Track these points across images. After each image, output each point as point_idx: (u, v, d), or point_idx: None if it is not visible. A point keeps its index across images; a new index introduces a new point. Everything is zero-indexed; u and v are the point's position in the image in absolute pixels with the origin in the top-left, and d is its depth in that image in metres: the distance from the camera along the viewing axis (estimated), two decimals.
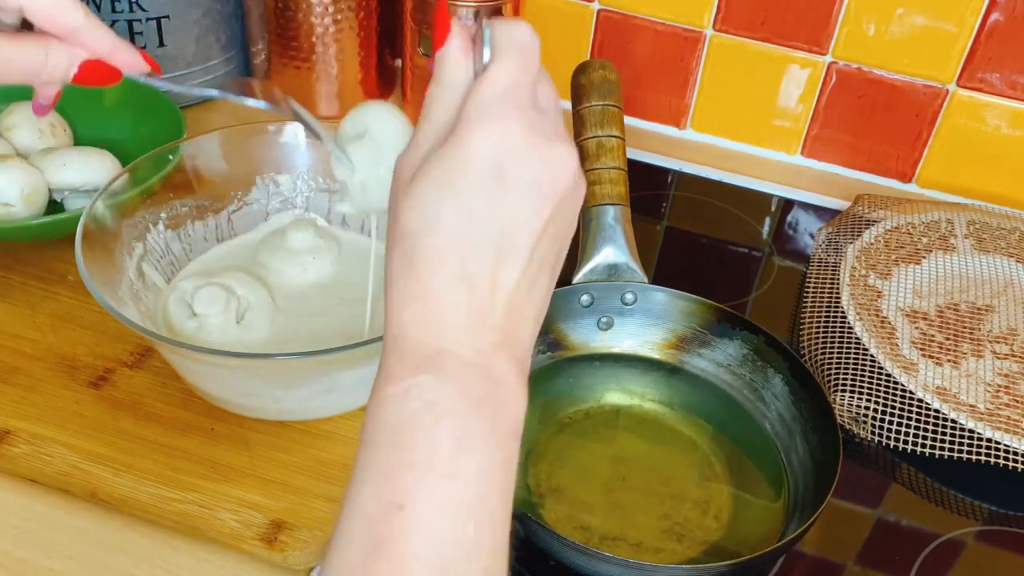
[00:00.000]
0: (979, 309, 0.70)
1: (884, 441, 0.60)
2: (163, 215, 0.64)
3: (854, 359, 0.64)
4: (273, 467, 0.55)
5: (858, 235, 0.75)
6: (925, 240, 0.76)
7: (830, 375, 0.64)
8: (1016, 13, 0.78)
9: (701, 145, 0.93)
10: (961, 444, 0.59)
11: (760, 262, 0.79)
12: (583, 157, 0.67)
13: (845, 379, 0.63)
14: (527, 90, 0.36)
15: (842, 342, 0.66)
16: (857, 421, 0.61)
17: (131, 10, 0.79)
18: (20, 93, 0.75)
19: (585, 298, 0.64)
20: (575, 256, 0.65)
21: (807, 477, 0.56)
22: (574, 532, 0.54)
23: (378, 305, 0.54)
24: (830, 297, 0.70)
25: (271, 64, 0.87)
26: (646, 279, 0.65)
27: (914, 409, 0.60)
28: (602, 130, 0.68)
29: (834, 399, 0.62)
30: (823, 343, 0.66)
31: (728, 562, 0.50)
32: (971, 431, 0.59)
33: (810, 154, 0.91)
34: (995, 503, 0.60)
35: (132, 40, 0.81)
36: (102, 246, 0.58)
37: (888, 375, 0.62)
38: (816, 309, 0.70)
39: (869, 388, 0.62)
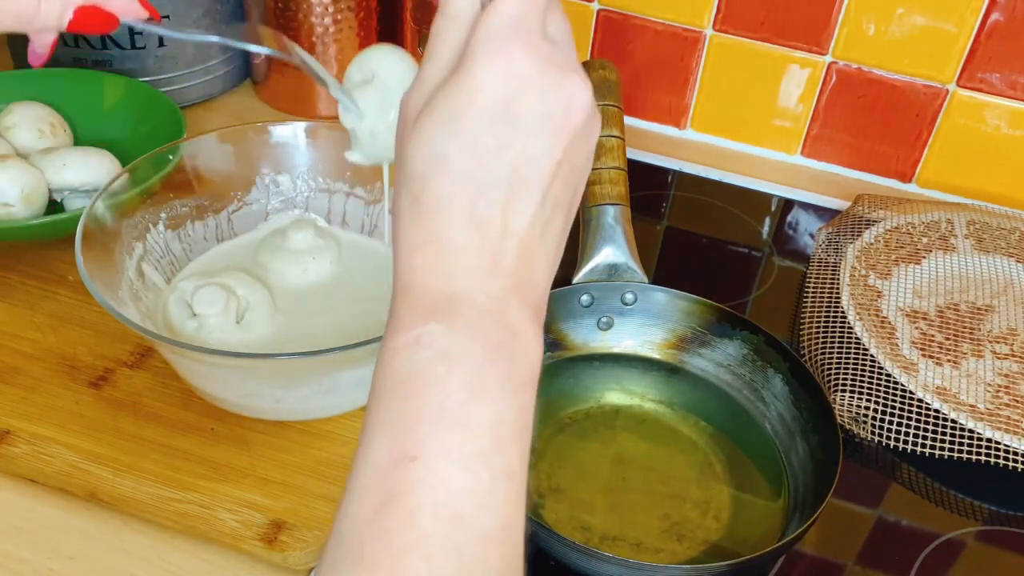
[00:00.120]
0: (979, 309, 0.70)
1: (884, 441, 0.60)
2: (163, 215, 0.64)
3: (854, 359, 0.64)
4: (273, 467, 0.55)
5: (858, 235, 0.75)
6: (925, 240, 0.76)
7: (830, 375, 0.64)
8: (1016, 13, 0.78)
9: (701, 145, 0.93)
10: (961, 444, 0.59)
11: (760, 262, 0.79)
12: None
13: (845, 379, 0.63)
14: (536, 19, 0.34)
15: (842, 342, 0.66)
16: (857, 421, 0.61)
17: None
18: (20, 93, 0.75)
19: (585, 298, 0.64)
20: (575, 256, 0.65)
21: (807, 477, 0.56)
22: (574, 532, 0.54)
23: None
24: (830, 297, 0.70)
25: (271, 64, 0.87)
26: (646, 279, 0.65)
27: (914, 409, 0.60)
28: (602, 130, 0.68)
29: (834, 399, 0.62)
30: (823, 343, 0.66)
31: (728, 562, 0.51)
32: (971, 431, 0.59)
33: (810, 154, 0.91)
34: (995, 503, 0.60)
35: (132, 40, 0.81)
36: (102, 246, 0.58)
37: (888, 375, 0.62)
38: (816, 309, 0.70)
39: (869, 388, 0.62)
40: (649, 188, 0.86)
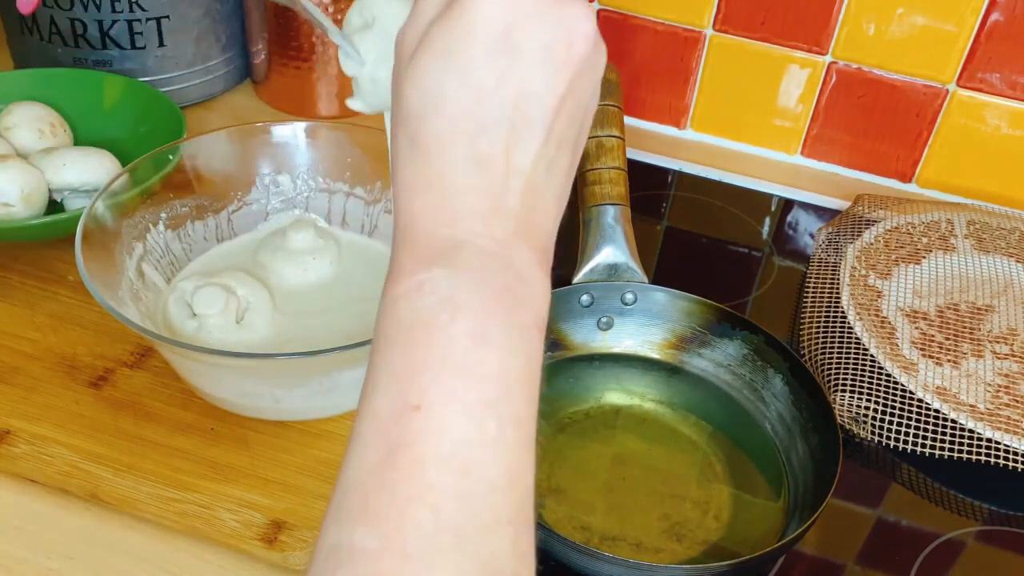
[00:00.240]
0: (979, 309, 0.70)
1: (884, 441, 0.60)
2: (163, 215, 0.64)
3: (854, 359, 0.64)
4: (273, 467, 0.55)
5: (858, 235, 0.75)
6: (925, 240, 0.76)
7: (830, 375, 0.64)
8: (1016, 13, 0.78)
9: (701, 145, 0.93)
10: (961, 444, 0.59)
11: (760, 262, 0.79)
12: (583, 157, 0.67)
13: (845, 379, 0.63)
14: None
15: (842, 342, 0.66)
16: (857, 421, 0.61)
17: (131, 10, 0.79)
18: (20, 93, 0.75)
19: (585, 298, 0.64)
20: (575, 256, 0.65)
21: (807, 477, 0.56)
22: (574, 532, 0.54)
23: None
24: (830, 297, 0.70)
25: (271, 64, 0.87)
26: (646, 279, 0.65)
27: (914, 409, 0.60)
28: (602, 130, 0.68)
29: (834, 399, 0.62)
30: (823, 343, 0.66)
31: (728, 562, 0.50)
32: (971, 431, 0.59)
33: (810, 154, 0.91)
34: (995, 503, 0.60)
35: (132, 40, 0.81)
36: (102, 246, 0.58)
37: (888, 375, 0.62)
38: (816, 309, 0.70)
39: (869, 388, 0.62)
40: (649, 188, 0.86)
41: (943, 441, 0.59)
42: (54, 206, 0.69)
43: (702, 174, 0.89)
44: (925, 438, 0.60)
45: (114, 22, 0.79)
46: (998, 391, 0.62)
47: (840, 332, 0.66)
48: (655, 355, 0.65)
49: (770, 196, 0.87)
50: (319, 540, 0.30)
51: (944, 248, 0.75)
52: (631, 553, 0.53)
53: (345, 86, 0.88)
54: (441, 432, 0.30)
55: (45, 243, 0.68)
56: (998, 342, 0.67)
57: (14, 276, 0.66)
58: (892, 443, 0.60)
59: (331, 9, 0.82)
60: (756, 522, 0.55)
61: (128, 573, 0.49)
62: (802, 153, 0.91)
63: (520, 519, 0.30)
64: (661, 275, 0.69)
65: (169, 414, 0.58)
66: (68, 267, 0.67)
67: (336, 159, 0.69)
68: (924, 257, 0.74)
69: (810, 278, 0.73)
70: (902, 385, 0.62)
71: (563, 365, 0.64)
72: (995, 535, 0.58)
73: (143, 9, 0.79)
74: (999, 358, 0.65)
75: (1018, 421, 0.60)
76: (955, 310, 0.70)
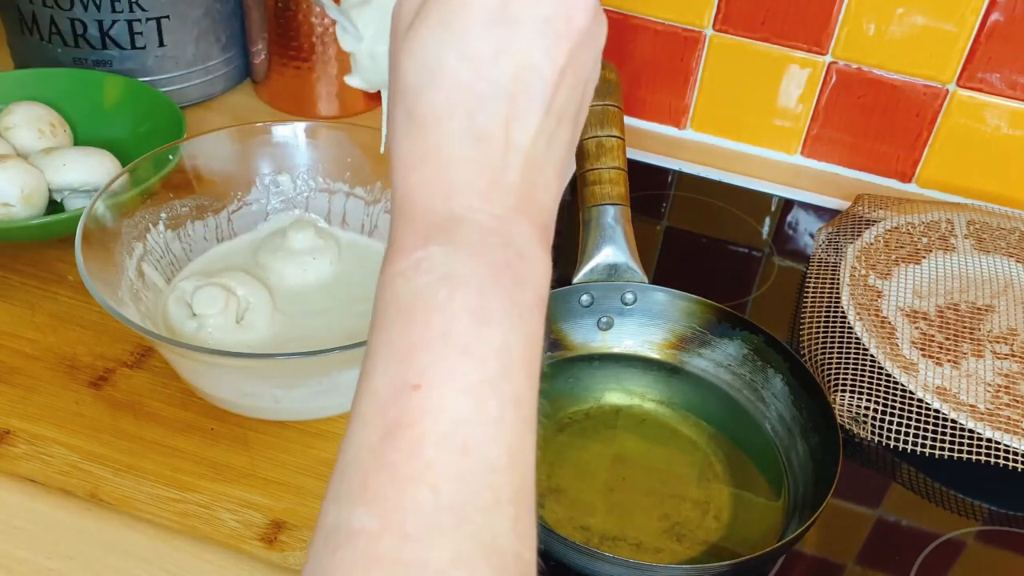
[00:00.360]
0: (979, 309, 0.70)
1: (884, 441, 0.60)
2: (163, 215, 0.64)
3: (854, 359, 0.64)
4: (273, 467, 0.55)
5: (858, 235, 0.75)
6: (925, 240, 0.76)
7: (830, 375, 0.64)
8: (1016, 13, 0.78)
9: (701, 145, 0.93)
10: (961, 444, 0.59)
11: (760, 262, 0.79)
12: (583, 157, 0.67)
13: (845, 379, 0.63)
14: None
15: (842, 342, 0.66)
16: (857, 421, 0.61)
17: (131, 10, 0.79)
18: (20, 93, 0.75)
19: (585, 298, 0.64)
20: (575, 256, 0.65)
21: (807, 477, 0.56)
22: (574, 532, 0.54)
23: None
24: (830, 297, 0.70)
25: (271, 64, 0.87)
26: (646, 279, 0.65)
27: (914, 409, 0.60)
28: (602, 130, 0.68)
29: (834, 399, 0.62)
30: (823, 343, 0.66)
31: (728, 562, 0.50)
32: (971, 431, 0.59)
33: (810, 154, 0.91)
34: (995, 503, 0.60)
35: (132, 40, 0.81)
36: (102, 246, 0.58)
37: (888, 375, 0.62)
38: (816, 309, 0.70)
39: (869, 388, 0.62)
40: (649, 188, 0.86)
41: (943, 441, 0.59)
42: (54, 206, 0.69)
43: (702, 174, 0.89)
44: (925, 438, 0.60)
45: (114, 22, 0.79)
46: (998, 391, 0.62)
47: (840, 332, 0.66)
48: (655, 355, 0.65)
49: (770, 196, 0.87)
50: (318, 520, 0.30)
51: (944, 248, 0.75)
52: (631, 553, 0.53)
53: (345, 87, 0.87)
54: (441, 411, 0.29)
55: (45, 243, 0.68)
56: (998, 342, 0.67)
57: (14, 276, 0.66)
58: (892, 443, 0.60)
59: None
60: (756, 522, 0.55)
61: (128, 573, 0.49)
62: (802, 153, 0.91)
63: (521, 498, 0.30)
64: (661, 275, 0.69)
65: (169, 414, 0.58)
66: (68, 267, 0.67)
67: (336, 159, 0.69)
68: (924, 257, 0.74)
69: (810, 278, 0.73)
70: (902, 385, 0.62)
71: (563, 365, 0.64)
72: (995, 535, 0.58)
73: (143, 9, 0.79)
74: (999, 358, 0.65)
75: (1018, 421, 0.60)
76: (955, 310, 0.70)
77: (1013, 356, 0.65)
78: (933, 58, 0.82)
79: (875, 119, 0.86)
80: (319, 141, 0.69)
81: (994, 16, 0.78)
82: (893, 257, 0.74)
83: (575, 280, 0.64)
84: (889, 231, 0.76)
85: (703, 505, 0.56)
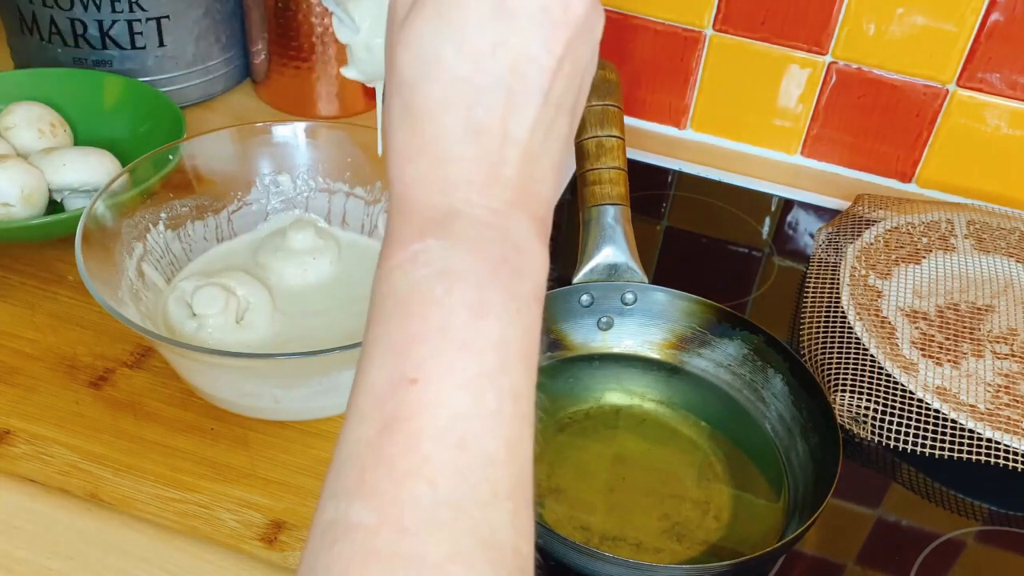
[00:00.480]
0: (979, 309, 0.70)
1: (884, 441, 0.60)
2: (163, 215, 0.64)
3: (854, 359, 0.64)
4: (273, 467, 0.55)
5: (858, 235, 0.75)
6: (925, 240, 0.76)
7: (830, 375, 0.64)
8: (1016, 13, 0.78)
9: (701, 145, 0.93)
10: (961, 444, 0.59)
11: (760, 262, 0.79)
12: (583, 157, 0.67)
13: (845, 379, 0.63)
14: None
15: (842, 342, 0.66)
16: (857, 421, 0.61)
17: (131, 10, 0.79)
18: (20, 93, 0.75)
19: (585, 298, 0.64)
20: (575, 256, 0.65)
21: (807, 477, 0.56)
22: (574, 532, 0.54)
23: None
24: (830, 297, 0.70)
25: (271, 64, 0.87)
26: (646, 279, 0.65)
27: (914, 409, 0.60)
28: (602, 130, 0.68)
29: (834, 399, 0.62)
30: (823, 343, 0.66)
31: (728, 562, 0.50)
32: (971, 431, 0.59)
33: (810, 154, 0.91)
34: (995, 503, 0.60)
35: (132, 40, 0.81)
36: (102, 246, 0.58)
37: (888, 375, 0.62)
38: (816, 309, 0.70)
39: (869, 388, 0.62)
40: (649, 188, 0.86)
41: (943, 441, 0.59)
42: (54, 206, 0.69)
43: (702, 174, 0.89)
44: (925, 438, 0.60)
45: (114, 22, 0.79)
46: (998, 391, 0.62)
47: (840, 332, 0.66)
48: (655, 355, 0.65)
49: (770, 196, 0.87)
50: (316, 515, 0.30)
51: (944, 248, 0.75)
52: (631, 553, 0.53)
53: (345, 86, 0.88)
54: (438, 406, 0.29)
55: (45, 243, 0.68)
56: (998, 342, 0.67)
57: (14, 276, 0.66)
58: (892, 443, 0.60)
59: None
60: (756, 522, 0.55)
61: (128, 573, 0.49)
62: (802, 153, 0.91)
63: (519, 492, 0.30)
64: (661, 275, 0.69)
65: (169, 414, 0.58)
66: (68, 267, 0.67)
67: (336, 159, 0.69)
68: (924, 257, 0.74)
69: (810, 278, 0.73)
70: (902, 385, 0.62)
71: (563, 365, 0.64)
72: (995, 535, 0.58)
73: (143, 9, 0.79)
74: (999, 358, 0.65)
75: (1018, 421, 0.60)
76: (955, 310, 0.70)
77: (1013, 356, 0.65)
78: (933, 58, 0.82)
79: (875, 119, 0.86)
80: (319, 141, 0.69)
81: (994, 16, 0.78)
82: (893, 257, 0.74)
83: (575, 280, 0.64)
84: (889, 231, 0.76)
85: (703, 505, 0.56)
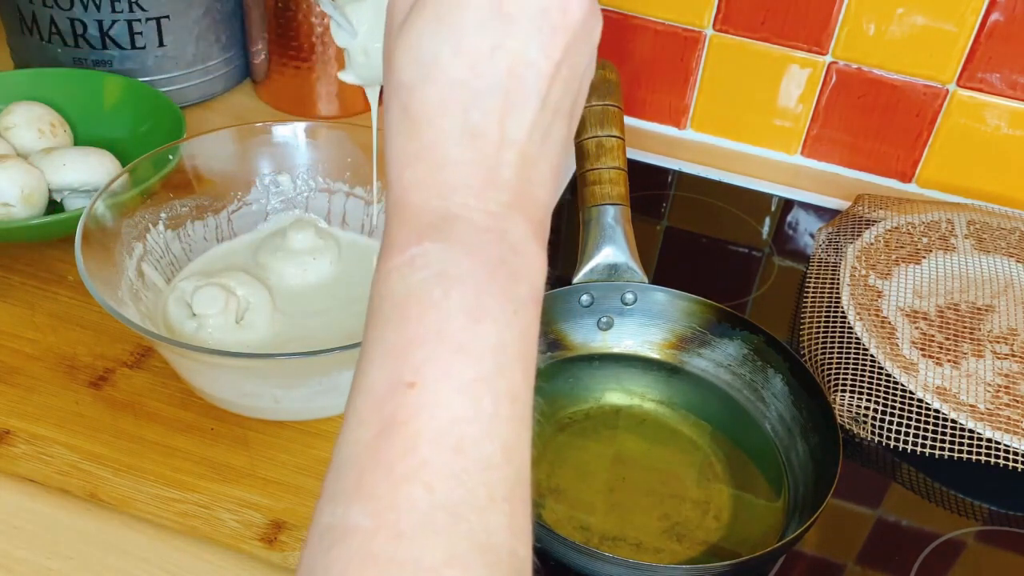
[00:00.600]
0: (979, 309, 0.70)
1: (884, 441, 0.60)
2: (163, 215, 0.64)
3: (854, 359, 0.64)
4: (273, 467, 0.55)
5: (858, 235, 0.75)
6: (925, 240, 0.76)
7: (830, 375, 0.64)
8: (1016, 13, 0.78)
9: (701, 145, 0.93)
10: (961, 444, 0.59)
11: (760, 262, 0.79)
12: (583, 157, 0.67)
13: (845, 379, 0.63)
14: None
15: (842, 342, 0.66)
16: (857, 421, 0.61)
17: (131, 10, 0.79)
18: (20, 93, 0.75)
19: (585, 298, 0.64)
20: (575, 256, 0.65)
21: (807, 477, 0.56)
22: (574, 532, 0.54)
23: None
24: (830, 297, 0.70)
25: (271, 64, 0.87)
26: (646, 279, 0.65)
27: (914, 409, 0.60)
28: (602, 130, 0.68)
29: (834, 399, 0.62)
30: (823, 343, 0.66)
31: (728, 562, 0.50)
32: (971, 431, 0.59)
33: (810, 154, 0.91)
34: (995, 503, 0.60)
35: (132, 40, 0.81)
36: (102, 246, 0.58)
37: (888, 375, 0.62)
38: (816, 309, 0.70)
39: (869, 388, 0.62)
40: (649, 188, 0.86)
41: (943, 441, 0.59)
42: (54, 206, 0.69)
43: (702, 174, 0.89)
44: (925, 438, 0.60)
45: (114, 22, 0.79)
46: (998, 391, 0.62)
47: (840, 332, 0.66)
48: (655, 355, 0.65)
49: (770, 196, 0.87)
50: (314, 516, 0.30)
51: (944, 248, 0.75)
52: (631, 553, 0.53)
53: (345, 86, 0.87)
54: (436, 409, 0.29)
55: (45, 243, 0.68)
56: (998, 342, 0.67)
57: (14, 276, 0.66)
58: (892, 443, 0.60)
59: None
60: (756, 522, 0.55)
61: (128, 573, 0.49)
62: (802, 153, 0.91)
63: (516, 495, 0.30)
64: (661, 275, 0.69)
65: (169, 414, 0.58)
66: (68, 267, 0.67)
67: (336, 159, 0.69)
68: (924, 257, 0.74)
69: (810, 278, 0.73)
70: (902, 385, 0.61)
71: (563, 365, 0.64)
72: (995, 535, 0.58)
73: (143, 9, 0.79)
74: (999, 358, 0.65)
75: (1018, 421, 0.60)
76: (955, 310, 0.70)
77: (1013, 356, 0.65)
78: (933, 58, 0.82)
79: (875, 119, 0.86)
80: (319, 141, 0.69)
81: (994, 16, 0.78)
82: (893, 257, 0.74)
83: (575, 280, 0.64)
84: (889, 231, 0.76)
85: (703, 505, 0.56)
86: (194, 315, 0.59)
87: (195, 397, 0.58)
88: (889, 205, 0.81)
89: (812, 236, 0.82)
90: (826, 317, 0.68)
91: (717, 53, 0.88)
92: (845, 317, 0.67)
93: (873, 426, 0.61)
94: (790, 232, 0.84)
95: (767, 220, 0.85)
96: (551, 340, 0.64)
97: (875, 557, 0.56)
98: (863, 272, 0.71)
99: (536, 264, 0.33)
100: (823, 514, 0.51)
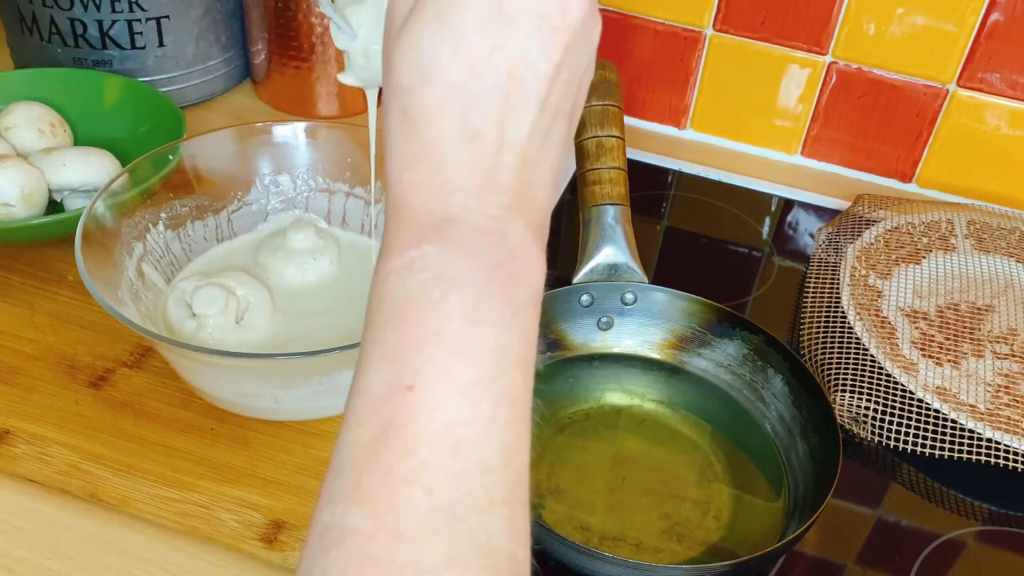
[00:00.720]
0: (979, 309, 0.70)
1: (884, 441, 0.60)
2: (163, 215, 0.64)
3: (854, 359, 0.64)
4: (273, 467, 0.55)
5: (858, 235, 0.75)
6: (925, 240, 0.76)
7: (830, 375, 0.64)
8: (1016, 13, 0.78)
9: (701, 145, 0.93)
10: (961, 444, 0.59)
11: (760, 262, 0.79)
12: (583, 157, 0.67)
13: (845, 379, 0.63)
14: None
15: (842, 342, 0.66)
16: (857, 421, 0.61)
17: (131, 10, 0.79)
18: (20, 93, 0.75)
19: (585, 298, 0.64)
20: (575, 256, 0.65)
21: (807, 477, 0.56)
22: (574, 532, 0.54)
23: None
24: (830, 297, 0.70)
25: (271, 64, 0.87)
26: (646, 279, 0.65)
27: (914, 409, 0.60)
28: (602, 130, 0.68)
29: (834, 399, 0.62)
30: (823, 343, 0.66)
31: (728, 562, 0.50)
32: (971, 431, 0.59)
33: (810, 154, 0.91)
34: (995, 503, 0.60)
35: (132, 40, 0.81)
36: (102, 246, 0.58)
37: (888, 375, 0.62)
38: (816, 309, 0.70)
39: (869, 388, 0.62)
40: (649, 188, 0.86)
41: (943, 441, 0.59)
42: (54, 206, 0.69)
43: (702, 174, 0.89)
44: (925, 438, 0.60)
45: (114, 22, 0.79)
46: (998, 391, 0.62)
47: (840, 332, 0.66)
48: (655, 355, 0.65)
49: (770, 196, 0.87)
50: (313, 518, 0.30)
51: (944, 248, 0.75)
52: (631, 553, 0.53)
53: (345, 87, 0.87)
54: (434, 412, 0.29)
55: (45, 243, 0.68)
56: (998, 342, 0.67)
57: (14, 276, 0.66)
58: (892, 443, 0.60)
59: None
60: (756, 522, 0.55)
61: (128, 573, 0.49)
62: (802, 153, 0.91)
63: (515, 498, 0.30)
64: (661, 275, 0.69)
65: (169, 414, 0.58)
66: (68, 267, 0.67)
67: (336, 159, 0.69)
68: (924, 257, 0.74)
69: (810, 278, 0.73)
70: (902, 385, 0.62)
71: (563, 365, 0.64)
72: (995, 535, 0.58)
73: (143, 9, 0.79)
74: (999, 358, 0.65)
75: (1018, 421, 0.60)
76: (955, 310, 0.70)
77: (1013, 356, 0.65)
78: (933, 58, 0.82)
79: (875, 119, 0.86)
80: (319, 141, 0.69)
81: (994, 16, 0.78)
82: (893, 257, 0.74)
83: (575, 280, 0.64)
84: (889, 231, 0.76)
85: (703, 505, 0.56)
86: (194, 315, 0.59)
87: (195, 397, 0.58)
88: (889, 205, 0.81)
89: (812, 236, 0.82)
90: (826, 317, 0.68)
91: (717, 53, 0.88)
92: (845, 317, 0.67)
93: (873, 426, 0.61)
94: (790, 232, 0.84)
95: (767, 220, 0.85)
96: (551, 340, 0.64)
97: (875, 557, 0.56)
98: (863, 272, 0.71)
99: (535, 266, 0.33)
100: (823, 514, 0.51)
